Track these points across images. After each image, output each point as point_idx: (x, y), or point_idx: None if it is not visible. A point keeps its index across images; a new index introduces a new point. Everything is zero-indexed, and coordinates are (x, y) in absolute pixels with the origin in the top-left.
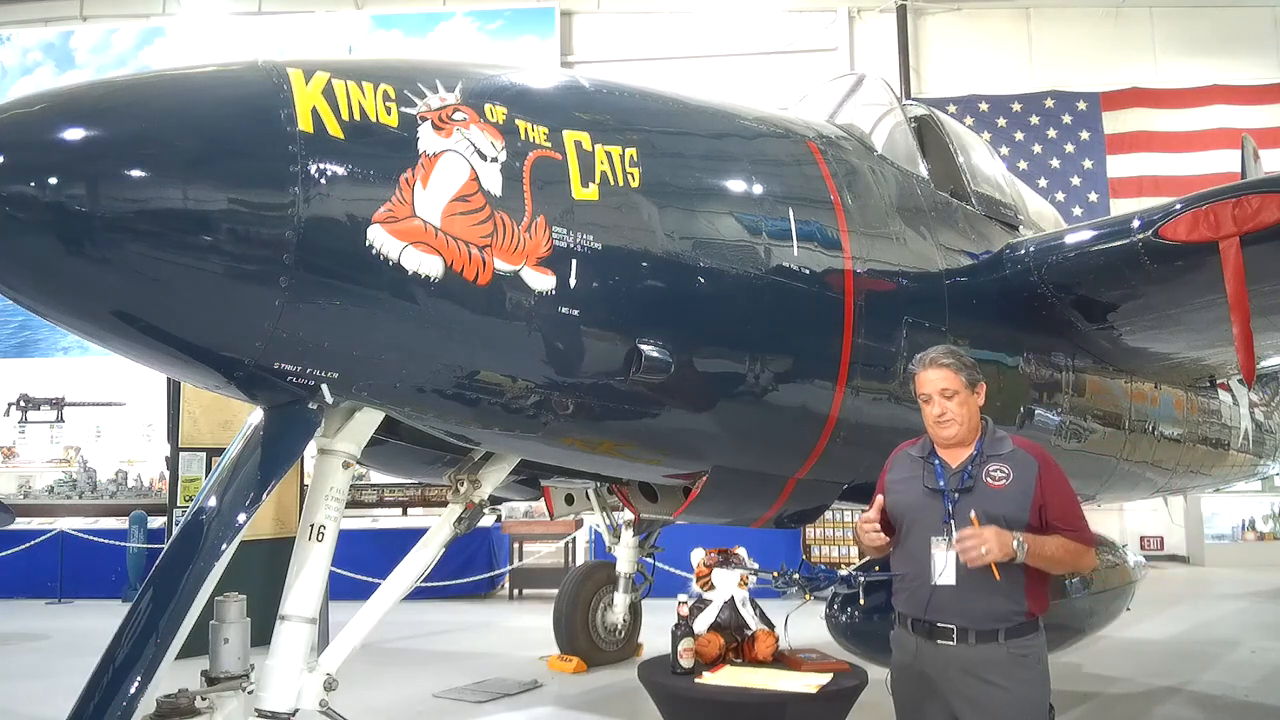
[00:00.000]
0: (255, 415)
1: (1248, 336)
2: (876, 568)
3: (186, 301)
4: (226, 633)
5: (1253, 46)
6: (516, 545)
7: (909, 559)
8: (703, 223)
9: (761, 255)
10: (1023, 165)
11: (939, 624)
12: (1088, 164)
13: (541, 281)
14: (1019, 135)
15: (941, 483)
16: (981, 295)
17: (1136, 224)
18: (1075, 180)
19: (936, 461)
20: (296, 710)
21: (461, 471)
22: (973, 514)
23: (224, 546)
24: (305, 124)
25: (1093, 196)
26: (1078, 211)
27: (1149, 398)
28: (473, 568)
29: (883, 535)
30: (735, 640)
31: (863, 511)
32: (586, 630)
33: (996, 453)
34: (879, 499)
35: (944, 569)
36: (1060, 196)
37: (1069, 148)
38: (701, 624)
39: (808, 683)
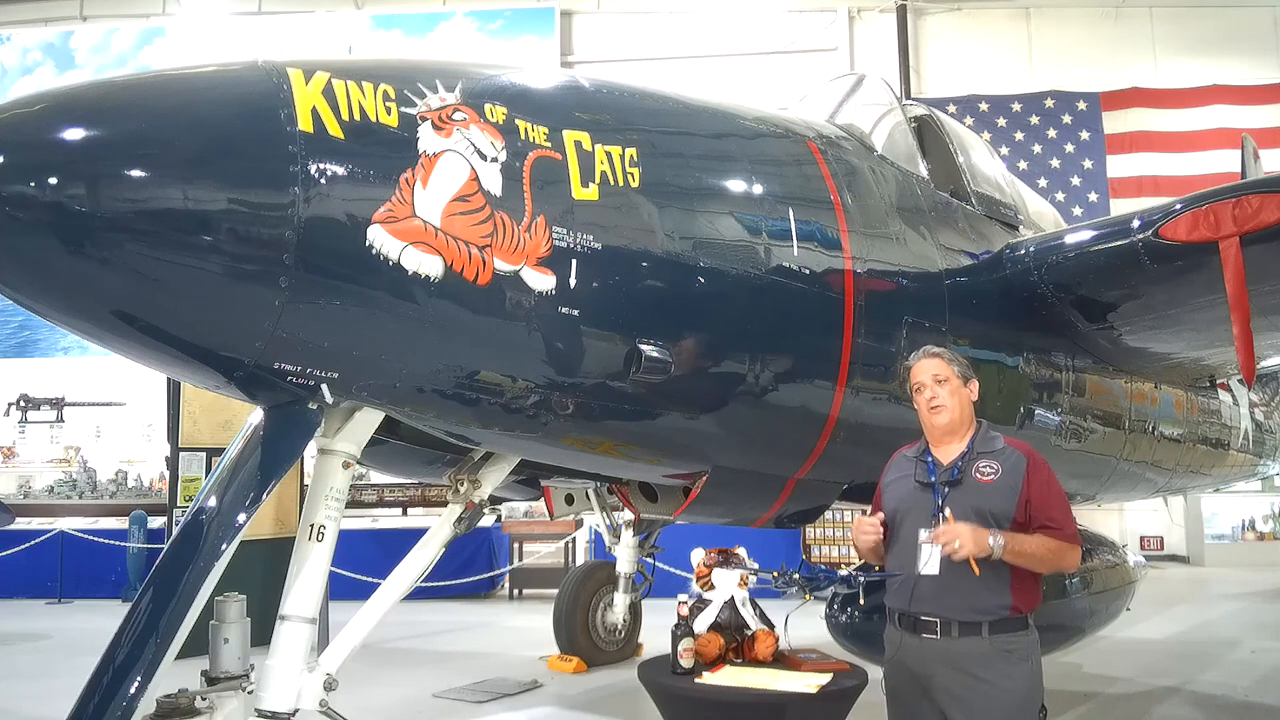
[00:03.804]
0: (255, 415)
1: (1248, 336)
2: (877, 567)
3: (186, 301)
4: (226, 633)
5: (1253, 46)
6: (516, 545)
7: (900, 553)
8: (703, 223)
9: (761, 255)
10: (1023, 165)
11: (922, 616)
12: (1088, 164)
13: (541, 281)
14: (1019, 135)
15: (932, 477)
16: (981, 295)
17: (1136, 224)
18: (1075, 180)
19: (929, 458)
20: (296, 710)
21: (461, 471)
22: (948, 512)
23: (224, 546)
24: (305, 124)
25: (1093, 196)
26: (1078, 211)
27: (1149, 398)
28: (473, 568)
29: (880, 538)
30: (735, 640)
31: (864, 513)
32: (586, 630)
33: (987, 450)
34: (880, 515)
35: (929, 559)
36: (1060, 196)
37: (1069, 148)
38: (701, 624)
39: (808, 683)
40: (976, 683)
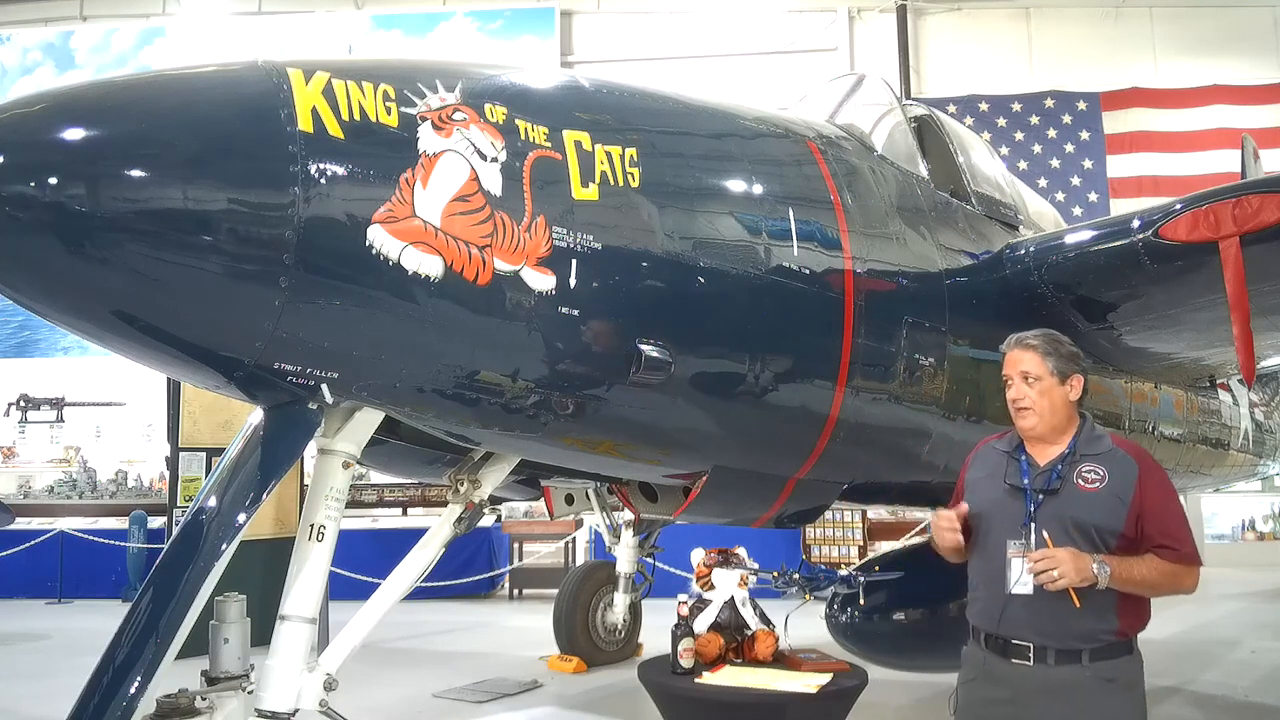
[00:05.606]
0: (255, 415)
1: (1248, 336)
2: (876, 567)
3: (186, 302)
4: (226, 633)
5: (1253, 46)
6: (516, 545)
7: (984, 565)
8: (703, 223)
9: (761, 255)
10: (1023, 165)
11: (1014, 641)
12: (1088, 164)
13: (541, 281)
14: (1019, 135)
15: (1025, 480)
16: (981, 295)
17: (1136, 224)
18: (1075, 180)
19: (1023, 457)
20: (296, 710)
21: (461, 471)
22: (1045, 534)
23: (224, 546)
24: (305, 124)
25: (1093, 196)
26: (1078, 211)
27: (1149, 398)
28: (473, 568)
29: (959, 536)
30: (735, 640)
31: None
32: (586, 630)
33: (1092, 451)
34: (962, 506)
35: (1020, 577)
36: (1060, 196)
37: (1069, 148)
38: (701, 624)
39: (808, 683)
40: (1072, 717)
